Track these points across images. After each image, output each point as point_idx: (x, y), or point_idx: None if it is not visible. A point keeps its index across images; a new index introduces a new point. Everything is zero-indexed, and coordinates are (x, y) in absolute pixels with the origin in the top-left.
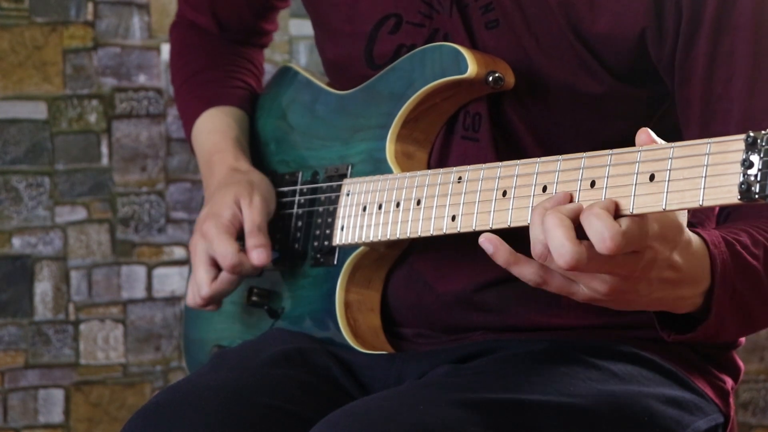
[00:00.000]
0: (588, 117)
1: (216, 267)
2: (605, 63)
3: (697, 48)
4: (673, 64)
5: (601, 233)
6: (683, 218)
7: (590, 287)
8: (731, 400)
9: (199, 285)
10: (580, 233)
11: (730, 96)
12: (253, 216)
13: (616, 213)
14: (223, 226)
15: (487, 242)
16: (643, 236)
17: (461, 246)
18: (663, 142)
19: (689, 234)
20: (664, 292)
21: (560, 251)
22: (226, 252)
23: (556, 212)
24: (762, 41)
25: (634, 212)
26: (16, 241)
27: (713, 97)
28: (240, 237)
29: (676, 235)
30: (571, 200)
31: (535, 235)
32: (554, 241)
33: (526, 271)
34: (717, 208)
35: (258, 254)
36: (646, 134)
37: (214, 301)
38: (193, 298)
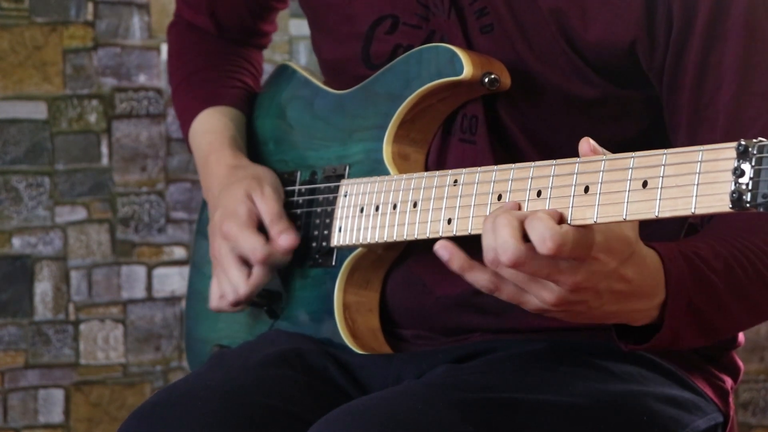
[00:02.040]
0: (583, 120)
1: (246, 264)
2: (597, 69)
3: (687, 57)
4: (663, 71)
5: (542, 233)
6: (631, 231)
7: (539, 297)
8: (731, 399)
9: (236, 285)
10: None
11: (717, 105)
12: (269, 205)
13: (561, 221)
14: (243, 222)
15: (442, 249)
16: (586, 245)
17: None
18: (603, 151)
19: (643, 248)
20: (617, 305)
21: (504, 247)
22: (254, 246)
23: (507, 214)
24: (751, 52)
25: (627, 219)
26: (16, 241)
27: (701, 105)
28: (260, 229)
29: (623, 248)
30: (520, 209)
31: (487, 242)
32: (500, 239)
33: (479, 278)
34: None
35: (285, 238)
36: (587, 143)
37: (251, 299)
38: (224, 300)
